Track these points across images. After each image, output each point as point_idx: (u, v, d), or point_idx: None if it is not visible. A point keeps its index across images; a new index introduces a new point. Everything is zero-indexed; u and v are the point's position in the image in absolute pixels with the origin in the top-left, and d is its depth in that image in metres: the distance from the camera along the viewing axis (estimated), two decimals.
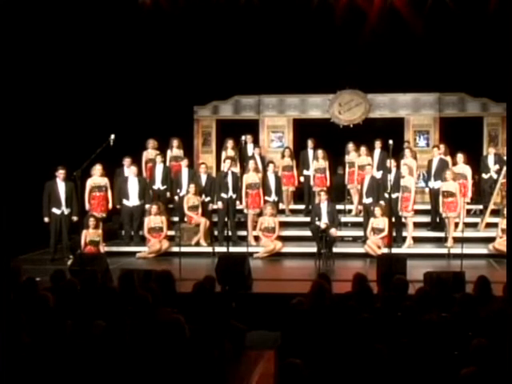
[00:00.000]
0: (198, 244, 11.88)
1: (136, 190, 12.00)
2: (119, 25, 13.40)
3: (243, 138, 11.53)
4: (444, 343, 5.10)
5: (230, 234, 11.26)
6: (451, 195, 11.40)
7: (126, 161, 12.49)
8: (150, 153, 13.18)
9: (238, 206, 12.20)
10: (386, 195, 11.04)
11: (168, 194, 12.66)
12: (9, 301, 5.61)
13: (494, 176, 12.31)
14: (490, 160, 12.57)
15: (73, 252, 10.94)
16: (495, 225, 11.49)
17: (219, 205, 11.92)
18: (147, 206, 11.88)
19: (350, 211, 13.18)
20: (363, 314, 5.36)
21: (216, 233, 12.16)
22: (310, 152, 13.33)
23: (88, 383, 4.75)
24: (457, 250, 10.47)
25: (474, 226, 12.22)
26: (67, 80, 12.93)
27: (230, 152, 13.12)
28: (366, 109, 14.24)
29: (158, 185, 12.59)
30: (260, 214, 11.97)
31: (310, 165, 13.19)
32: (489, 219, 12.09)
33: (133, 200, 11.99)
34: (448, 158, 12.53)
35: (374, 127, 14.27)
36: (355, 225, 12.54)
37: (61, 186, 11.30)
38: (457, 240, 11.14)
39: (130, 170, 12.13)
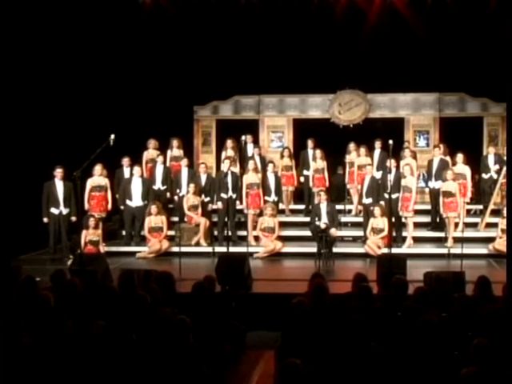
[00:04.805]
0: (198, 244, 11.88)
1: (139, 191, 11.97)
2: (119, 25, 13.41)
3: (243, 137, 11.51)
4: (444, 343, 5.09)
5: (229, 233, 11.26)
6: (451, 195, 11.40)
7: (125, 161, 12.50)
8: (150, 153, 13.17)
9: (238, 206, 12.19)
10: (386, 195, 11.03)
11: (168, 194, 12.66)
12: (9, 300, 5.61)
13: (494, 176, 12.31)
14: (490, 160, 12.56)
15: (73, 252, 10.94)
16: (495, 225, 11.50)
17: (219, 205, 11.92)
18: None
19: (349, 211, 13.17)
20: (358, 315, 5.35)
21: (216, 233, 12.16)
22: (310, 152, 13.31)
23: (88, 383, 4.76)
24: (457, 250, 10.47)
25: (474, 226, 12.22)
26: (67, 80, 12.93)
27: (230, 152, 13.10)
28: (365, 109, 14.23)
29: (158, 185, 12.57)
30: (260, 214, 11.97)
31: (310, 165, 13.19)
32: (489, 219, 12.09)
33: (136, 201, 11.96)
34: (448, 158, 12.54)
35: (373, 127, 14.27)
36: (355, 225, 12.54)
37: (59, 187, 11.29)
38: (457, 240, 11.14)
39: (134, 171, 12.10)
